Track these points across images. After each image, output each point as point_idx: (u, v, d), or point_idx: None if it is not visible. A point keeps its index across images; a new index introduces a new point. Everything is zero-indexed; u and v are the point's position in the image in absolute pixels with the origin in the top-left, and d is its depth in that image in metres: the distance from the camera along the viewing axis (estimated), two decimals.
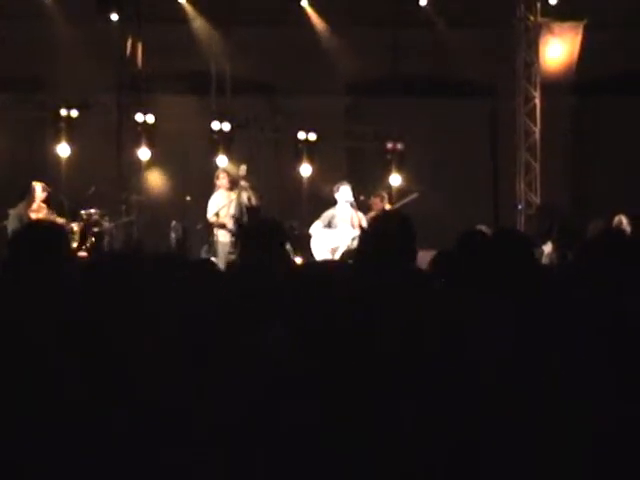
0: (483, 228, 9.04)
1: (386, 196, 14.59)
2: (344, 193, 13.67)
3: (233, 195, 13.93)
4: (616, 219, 13.25)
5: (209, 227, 14.16)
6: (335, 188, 13.83)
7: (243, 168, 14.02)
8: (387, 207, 14.12)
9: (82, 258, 12.71)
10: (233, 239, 13.58)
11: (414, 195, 14.46)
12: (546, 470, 2.69)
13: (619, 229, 12.00)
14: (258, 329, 3.12)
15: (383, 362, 2.81)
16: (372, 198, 14.39)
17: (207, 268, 3.94)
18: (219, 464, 2.70)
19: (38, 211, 13.64)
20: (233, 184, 14.07)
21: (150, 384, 2.86)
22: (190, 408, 2.75)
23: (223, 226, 13.83)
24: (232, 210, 13.83)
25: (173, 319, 3.35)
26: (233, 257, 12.76)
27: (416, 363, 2.81)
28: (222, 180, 14.20)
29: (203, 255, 13.99)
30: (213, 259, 12.50)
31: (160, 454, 2.71)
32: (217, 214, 13.89)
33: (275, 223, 4.97)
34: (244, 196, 13.83)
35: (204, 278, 3.73)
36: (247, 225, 12.90)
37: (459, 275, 4.58)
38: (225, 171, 14.67)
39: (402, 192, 16.23)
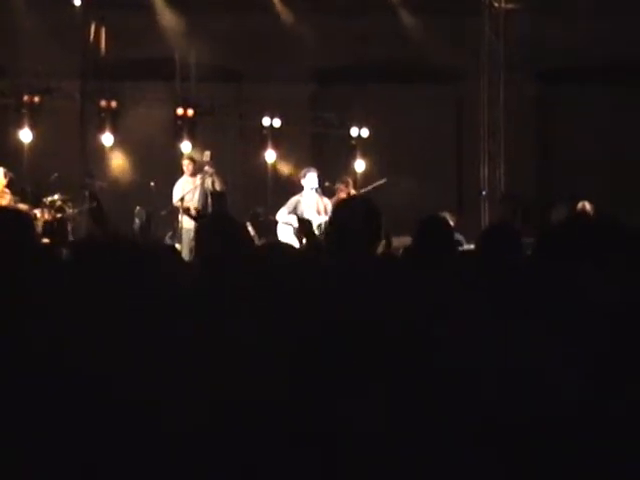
0: (447, 215, 9.08)
1: (351, 182, 14.56)
2: (310, 179, 13.61)
3: (198, 181, 13.88)
4: (580, 205, 13.33)
5: (173, 213, 14.10)
6: (302, 174, 13.78)
7: (207, 154, 13.98)
8: (353, 192, 14.08)
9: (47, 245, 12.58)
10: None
11: (382, 181, 14.46)
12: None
13: (584, 213, 12.09)
14: (226, 316, 3.10)
15: (352, 344, 2.81)
16: (337, 184, 14.33)
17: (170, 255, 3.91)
18: (195, 460, 2.69)
19: (1, 197, 13.52)
20: (198, 170, 14.03)
21: (121, 378, 2.83)
22: (161, 401, 2.73)
23: (187, 211, 13.77)
24: (197, 196, 13.79)
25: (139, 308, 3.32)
26: None
27: (385, 346, 2.81)
28: (187, 166, 14.17)
29: (167, 241, 13.95)
30: (177, 245, 12.46)
31: (136, 450, 2.69)
32: (182, 199, 13.84)
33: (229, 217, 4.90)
34: (208, 182, 13.79)
35: (167, 266, 3.70)
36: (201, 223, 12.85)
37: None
38: (190, 157, 14.62)
39: (367, 178, 16.22)
